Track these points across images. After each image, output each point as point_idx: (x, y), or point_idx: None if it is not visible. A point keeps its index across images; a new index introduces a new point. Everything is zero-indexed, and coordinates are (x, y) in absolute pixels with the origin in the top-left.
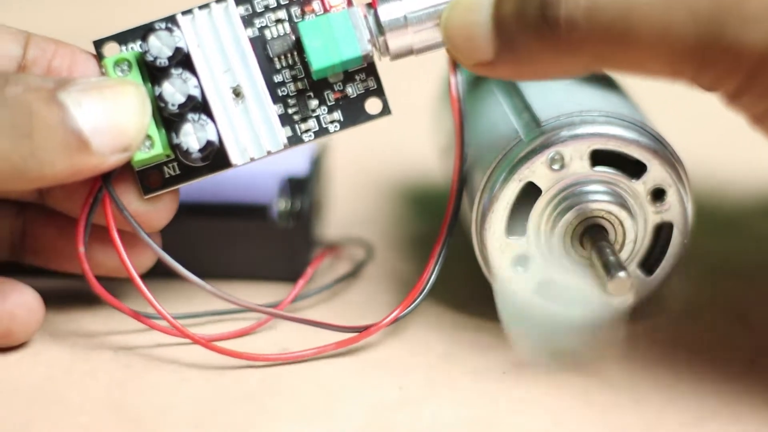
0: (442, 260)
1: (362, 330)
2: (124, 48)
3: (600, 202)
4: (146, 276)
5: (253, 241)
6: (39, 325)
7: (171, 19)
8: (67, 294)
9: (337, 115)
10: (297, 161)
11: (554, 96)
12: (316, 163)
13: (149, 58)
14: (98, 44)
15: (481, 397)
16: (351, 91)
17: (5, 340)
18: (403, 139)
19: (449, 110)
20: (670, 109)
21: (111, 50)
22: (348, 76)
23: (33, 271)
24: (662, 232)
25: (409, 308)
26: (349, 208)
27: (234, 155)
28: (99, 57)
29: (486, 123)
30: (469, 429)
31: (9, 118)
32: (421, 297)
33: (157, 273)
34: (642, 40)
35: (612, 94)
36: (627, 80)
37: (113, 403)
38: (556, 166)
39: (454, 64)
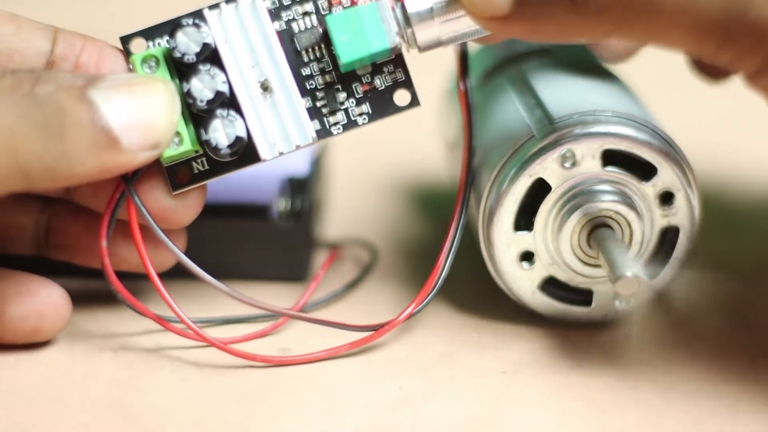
0: (453, 253)
1: (377, 328)
2: (150, 44)
3: (609, 202)
4: (165, 277)
5: (253, 241)
6: (66, 322)
7: (198, 14)
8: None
9: (366, 107)
10: (297, 161)
11: (567, 94)
12: (317, 163)
13: (177, 54)
14: (125, 40)
15: (481, 397)
16: (379, 83)
17: (33, 337)
18: (404, 138)
19: (458, 105)
20: (674, 109)
21: (138, 46)
22: (376, 68)
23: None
24: (668, 235)
25: (424, 303)
26: (350, 207)
27: (263, 150)
28: (126, 53)
29: (497, 118)
30: (469, 429)
31: (41, 117)
32: (434, 291)
33: (176, 274)
34: (667, 9)
35: (624, 95)
36: (633, 80)
37: (113, 403)
38: (567, 164)
39: (463, 70)
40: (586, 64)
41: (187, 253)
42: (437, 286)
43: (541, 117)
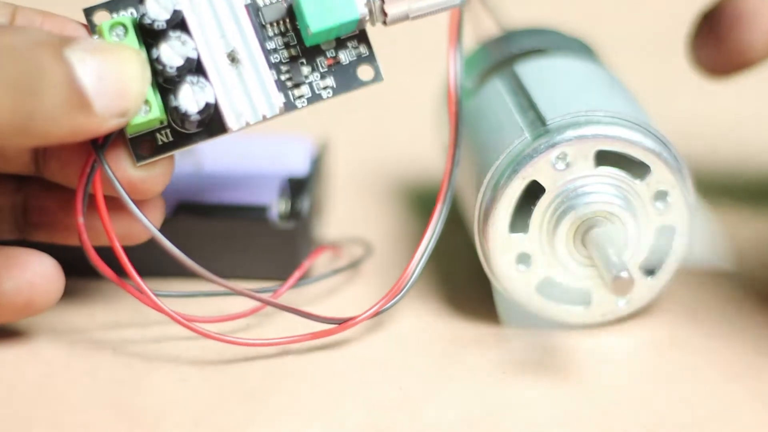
0: (428, 253)
1: (341, 322)
2: (115, 15)
3: (603, 203)
4: (154, 275)
5: (253, 242)
6: (59, 294)
7: None
8: (66, 291)
9: (330, 81)
10: (297, 161)
11: (560, 95)
12: (316, 163)
13: (147, 21)
14: (88, 12)
15: (481, 397)
16: (343, 57)
17: (26, 310)
18: (404, 139)
19: None
20: (672, 108)
21: (101, 18)
22: (340, 43)
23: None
24: (664, 234)
25: (390, 304)
26: (349, 207)
27: (230, 120)
28: (90, 25)
29: (490, 121)
30: (469, 429)
31: (14, 71)
32: (403, 292)
33: (160, 273)
34: None
35: (618, 94)
36: (629, 77)
37: (113, 402)
38: (560, 166)
39: (456, 37)
40: (581, 64)
41: (187, 253)
42: (408, 286)
43: (533, 119)
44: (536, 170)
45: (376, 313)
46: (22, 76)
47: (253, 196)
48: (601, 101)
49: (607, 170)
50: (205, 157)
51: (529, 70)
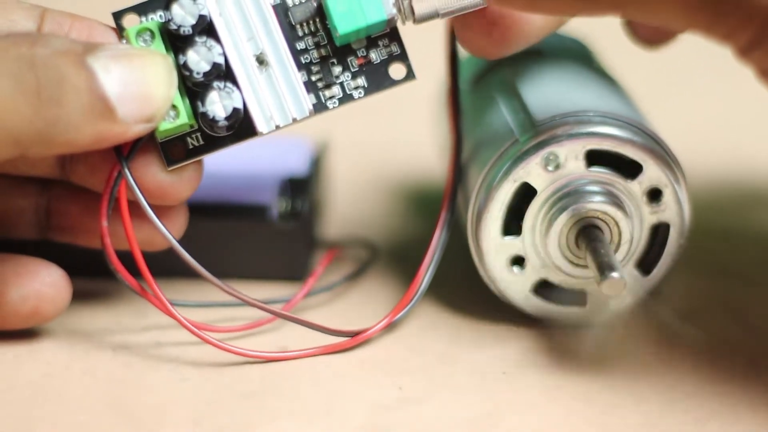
0: (435, 264)
1: (353, 335)
2: (144, 19)
3: (595, 203)
4: (166, 276)
5: (253, 242)
6: (66, 304)
7: None
8: None
9: (361, 81)
10: (297, 161)
11: (550, 96)
12: (316, 163)
13: (173, 26)
14: (117, 16)
15: (481, 397)
16: (374, 56)
17: (33, 319)
18: (404, 138)
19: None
20: (667, 106)
21: (130, 22)
22: (371, 42)
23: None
24: (659, 232)
25: (401, 314)
26: (350, 208)
27: (260, 123)
28: (119, 29)
29: (483, 123)
30: (469, 429)
31: (35, 80)
32: (413, 302)
33: (178, 273)
34: None
35: (609, 93)
36: (624, 77)
37: (112, 402)
38: (551, 167)
39: (452, 35)
40: (575, 65)
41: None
42: (417, 296)
43: (524, 120)
44: (527, 172)
45: (388, 325)
46: (43, 85)
47: (253, 196)
48: (592, 101)
49: (598, 170)
50: (206, 156)
51: (523, 72)
